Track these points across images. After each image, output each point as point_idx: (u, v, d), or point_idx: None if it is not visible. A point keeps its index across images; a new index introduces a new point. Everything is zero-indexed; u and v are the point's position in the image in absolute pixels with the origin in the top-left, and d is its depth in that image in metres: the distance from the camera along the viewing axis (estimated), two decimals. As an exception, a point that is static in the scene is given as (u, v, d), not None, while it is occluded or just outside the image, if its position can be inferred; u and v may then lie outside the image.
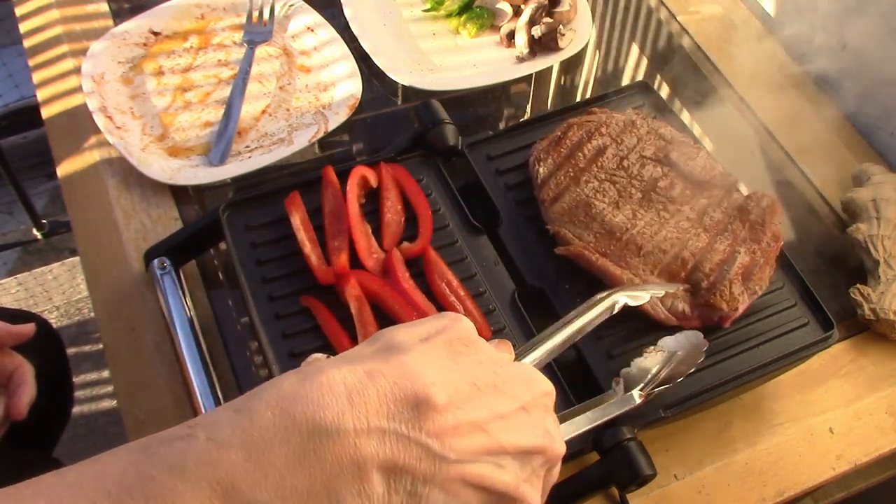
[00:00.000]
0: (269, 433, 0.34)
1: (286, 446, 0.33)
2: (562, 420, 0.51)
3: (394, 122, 0.96)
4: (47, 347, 0.96)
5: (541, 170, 0.76)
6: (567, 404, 0.65)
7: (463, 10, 1.00)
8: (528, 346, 0.49)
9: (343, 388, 0.35)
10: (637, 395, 0.57)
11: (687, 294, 0.69)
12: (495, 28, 1.00)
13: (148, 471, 0.33)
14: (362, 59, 0.95)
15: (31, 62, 0.95)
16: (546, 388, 0.42)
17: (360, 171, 0.75)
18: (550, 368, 0.67)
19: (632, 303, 0.58)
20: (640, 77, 1.01)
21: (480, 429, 0.38)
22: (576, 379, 0.67)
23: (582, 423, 0.54)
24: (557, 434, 0.42)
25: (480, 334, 0.70)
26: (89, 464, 0.34)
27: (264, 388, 0.36)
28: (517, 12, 0.98)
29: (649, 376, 0.58)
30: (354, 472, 0.34)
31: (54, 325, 1.06)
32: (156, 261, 0.75)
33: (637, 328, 0.69)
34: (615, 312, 0.56)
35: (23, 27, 0.99)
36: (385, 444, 0.35)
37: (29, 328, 0.68)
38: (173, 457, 0.33)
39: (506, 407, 0.39)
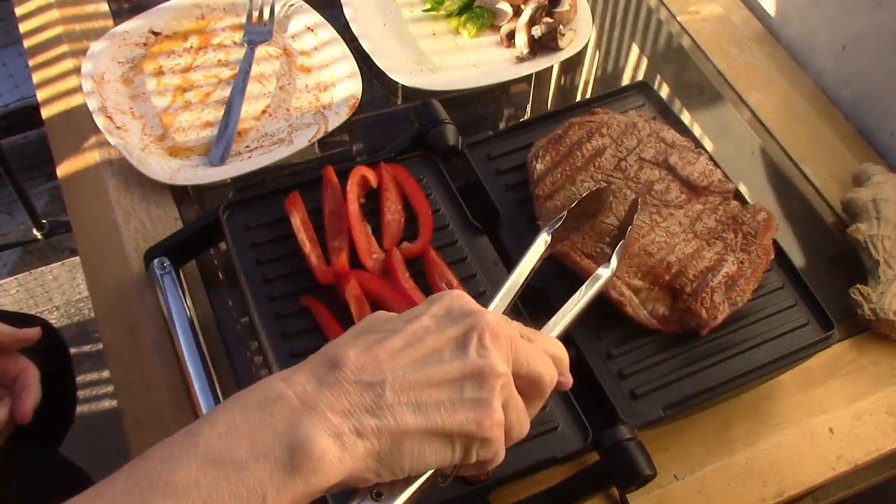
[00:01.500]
0: (228, 419, 0.39)
1: (246, 422, 0.39)
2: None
3: (394, 122, 0.96)
4: (51, 350, 0.96)
5: (538, 166, 0.76)
6: (567, 404, 0.65)
7: (463, 10, 1.00)
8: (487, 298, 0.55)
9: (278, 378, 0.41)
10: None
11: (668, 298, 0.69)
12: (495, 28, 1.00)
13: (146, 467, 0.38)
14: (362, 59, 0.95)
15: (31, 62, 0.95)
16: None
17: (360, 171, 0.75)
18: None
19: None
20: (640, 77, 1.01)
21: (398, 350, 0.43)
22: (576, 379, 0.67)
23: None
24: (494, 357, 0.44)
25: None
26: (91, 491, 0.38)
27: None
28: (517, 12, 0.98)
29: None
30: (311, 416, 0.39)
31: (54, 326, 1.06)
32: (156, 261, 0.75)
33: (636, 329, 0.69)
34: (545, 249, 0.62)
35: (23, 27, 0.99)
36: (324, 393, 0.40)
37: (35, 332, 0.68)
38: (162, 452, 0.38)
39: (413, 330, 0.44)
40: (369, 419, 0.40)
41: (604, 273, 0.62)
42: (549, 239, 0.62)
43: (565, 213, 0.66)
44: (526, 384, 0.45)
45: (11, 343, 0.66)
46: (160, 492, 0.36)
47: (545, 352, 0.47)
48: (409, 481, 0.43)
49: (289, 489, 0.38)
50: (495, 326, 0.44)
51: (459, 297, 0.46)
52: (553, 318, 0.56)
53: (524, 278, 0.57)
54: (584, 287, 0.60)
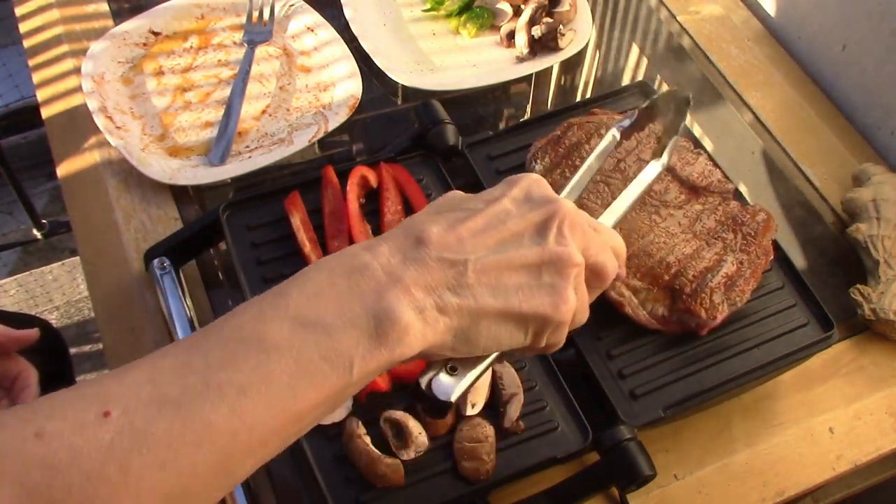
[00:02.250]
0: (316, 283, 0.40)
1: (333, 289, 0.40)
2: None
3: (394, 122, 0.96)
4: (51, 350, 0.96)
5: (537, 167, 0.76)
6: (567, 404, 0.65)
7: (463, 10, 1.00)
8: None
9: (362, 248, 0.42)
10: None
11: (667, 298, 0.69)
12: (495, 28, 1.00)
13: (237, 322, 0.39)
14: (362, 59, 0.95)
15: (31, 62, 0.95)
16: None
17: (360, 171, 0.75)
18: (551, 368, 0.67)
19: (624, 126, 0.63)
20: (640, 77, 1.01)
21: (480, 231, 0.44)
22: (576, 378, 0.67)
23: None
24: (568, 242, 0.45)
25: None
26: (183, 342, 0.39)
27: None
28: (517, 12, 0.98)
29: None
30: (396, 289, 0.40)
31: (54, 326, 1.06)
32: (156, 261, 0.75)
33: (636, 329, 0.69)
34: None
35: (23, 27, 0.99)
36: (408, 267, 0.41)
37: (33, 333, 0.68)
38: (252, 310, 0.39)
39: (492, 208, 0.45)
40: (451, 297, 0.41)
41: (655, 167, 0.62)
42: (618, 136, 0.62)
43: (636, 112, 0.64)
44: (590, 274, 0.47)
45: (10, 344, 0.66)
46: (254, 347, 0.37)
47: (607, 244, 0.48)
48: (480, 358, 0.45)
49: (374, 357, 0.39)
50: (574, 215, 0.45)
51: (538, 182, 0.47)
52: (608, 209, 0.56)
53: (593, 173, 0.58)
54: (636, 180, 0.60)
